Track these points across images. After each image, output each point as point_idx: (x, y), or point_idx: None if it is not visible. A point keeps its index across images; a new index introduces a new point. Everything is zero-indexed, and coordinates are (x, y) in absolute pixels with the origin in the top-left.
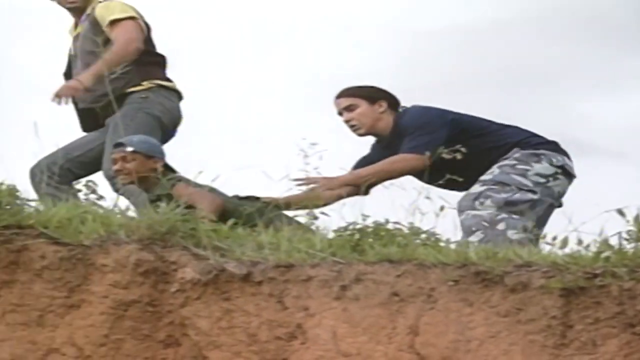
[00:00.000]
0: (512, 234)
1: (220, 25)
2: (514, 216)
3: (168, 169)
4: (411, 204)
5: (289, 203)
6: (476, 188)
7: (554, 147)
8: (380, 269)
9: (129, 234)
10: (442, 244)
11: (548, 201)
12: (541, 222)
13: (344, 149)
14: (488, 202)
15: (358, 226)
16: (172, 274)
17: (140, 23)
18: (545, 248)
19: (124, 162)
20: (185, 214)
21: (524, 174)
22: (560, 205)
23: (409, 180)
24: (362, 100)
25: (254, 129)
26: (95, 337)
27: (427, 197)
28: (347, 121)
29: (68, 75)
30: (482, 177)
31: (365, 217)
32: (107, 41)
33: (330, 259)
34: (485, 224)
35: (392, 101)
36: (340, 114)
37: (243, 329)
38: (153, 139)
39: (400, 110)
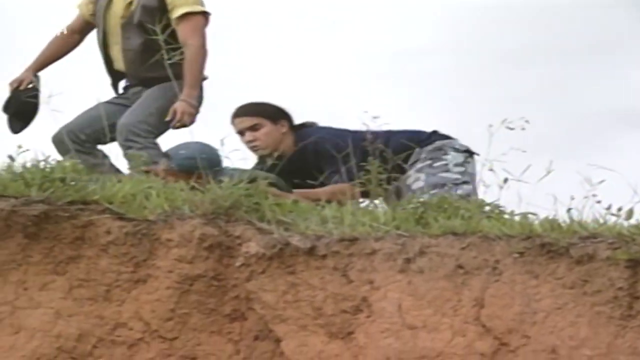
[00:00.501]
0: (459, 192)
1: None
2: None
3: None
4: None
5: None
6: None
7: (440, 135)
8: (445, 242)
9: (193, 208)
10: (506, 216)
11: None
12: None
13: (405, 123)
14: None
15: (422, 199)
16: (237, 248)
17: (209, 17)
18: (611, 219)
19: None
20: (248, 189)
21: (446, 169)
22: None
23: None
24: (265, 120)
25: (318, 103)
26: (161, 312)
27: (491, 169)
28: (249, 141)
29: (108, 61)
30: (413, 187)
31: None
32: (165, 27)
33: (395, 232)
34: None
35: (291, 122)
36: (241, 133)
37: (308, 302)
38: (208, 149)
39: (299, 131)
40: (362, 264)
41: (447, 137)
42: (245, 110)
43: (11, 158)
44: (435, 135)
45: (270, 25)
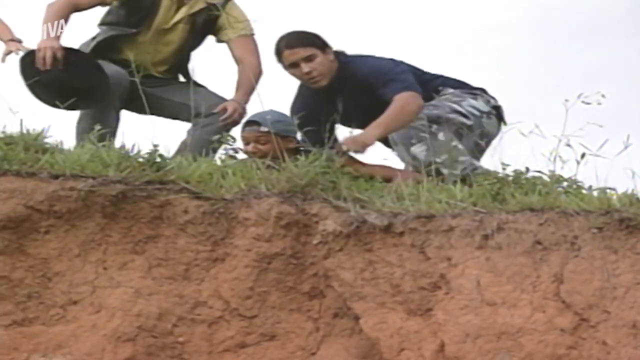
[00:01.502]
0: (456, 143)
1: None
2: (448, 130)
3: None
4: (551, 151)
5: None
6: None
7: (482, 90)
8: (522, 218)
9: (270, 187)
10: (584, 192)
11: (477, 133)
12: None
13: None
14: (421, 115)
15: (498, 175)
16: (314, 226)
17: None
18: None
19: (258, 144)
20: (324, 167)
21: (458, 102)
22: (485, 146)
23: (548, 128)
24: (317, 49)
25: None
26: (240, 290)
27: (568, 145)
28: (307, 73)
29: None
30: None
31: (505, 165)
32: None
33: (472, 209)
34: (424, 135)
35: (333, 49)
36: (293, 65)
37: (386, 279)
38: (287, 116)
39: (342, 58)
40: (440, 241)
41: (488, 94)
42: (298, 41)
43: (89, 139)
44: (477, 89)
45: None
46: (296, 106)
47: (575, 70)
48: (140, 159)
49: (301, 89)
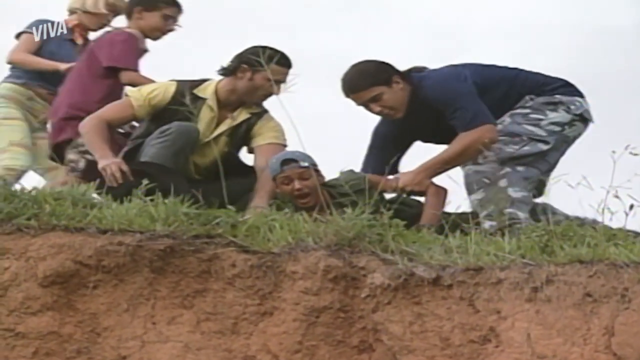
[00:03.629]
0: (513, 191)
1: None
2: (519, 168)
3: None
4: (599, 203)
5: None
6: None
7: (571, 89)
8: (572, 270)
9: (317, 240)
10: (633, 243)
11: (562, 148)
12: (552, 167)
13: None
14: (491, 155)
15: (547, 227)
16: (362, 280)
17: None
18: None
19: (302, 180)
20: (371, 219)
21: (537, 123)
22: (564, 150)
23: (596, 180)
24: (382, 86)
25: None
26: (289, 344)
27: (616, 196)
28: (379, 112)
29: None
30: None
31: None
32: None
33: (520, 261)
34: (487, 180)
35: (399, 73)
36: (364, 106)
37: (436, 332)
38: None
39: (414, 77)
40: (489, 294)
41: (573, 94)
42: (359, 85)
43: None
44: (562, 88)
45: None
46: (381, 126)
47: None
48: (188, 213)
49: None
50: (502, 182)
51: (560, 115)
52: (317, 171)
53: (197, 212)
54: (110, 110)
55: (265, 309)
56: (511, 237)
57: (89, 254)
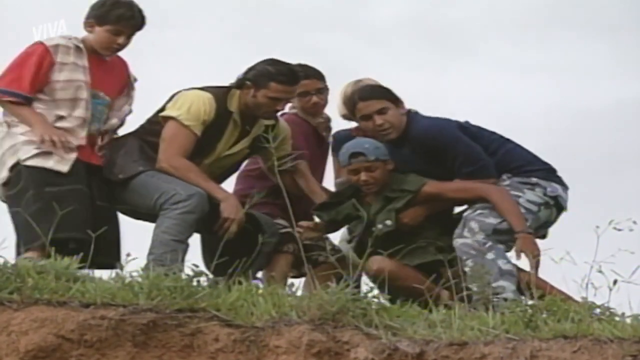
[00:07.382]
0: (502, 263)
1: None
2: (499, 245)
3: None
4: (583, 278)
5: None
6: (467, 212)
7: (549, 174)
8: (556, 345)
9: (300, 314)
10: (617, 319)
11: (532, 231)
12: None
13: None
14: (476, 227)
15: (530, 302)
16: (346, 354)
17: None
18: None
19: (369, 172)
20: (355, 294)
21: (516, 200)
22: (544, 236)
23: (580, 255)
24: (390, 102)
25: None
26: None
27: (600, 271)
28: (380, 125)
29: None
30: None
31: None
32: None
33: (504, 336)
34: (473, 252)
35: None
36: (365, 117)
37: None
38: (375, 141)
39: (411, 116)
40: None
41: (551, 180)
42: (372, 94)
43: (119, 267)
44: (541, 172)
45: None
46: None
47: (606, 196)
48: (171, 287)
49: None
50: (490, 255)
51: (536, 195)
52: (385, 161)
53: (180, 285)
54: (180, 146)
55: None
56: (496, 311)
57: (72, 328)
